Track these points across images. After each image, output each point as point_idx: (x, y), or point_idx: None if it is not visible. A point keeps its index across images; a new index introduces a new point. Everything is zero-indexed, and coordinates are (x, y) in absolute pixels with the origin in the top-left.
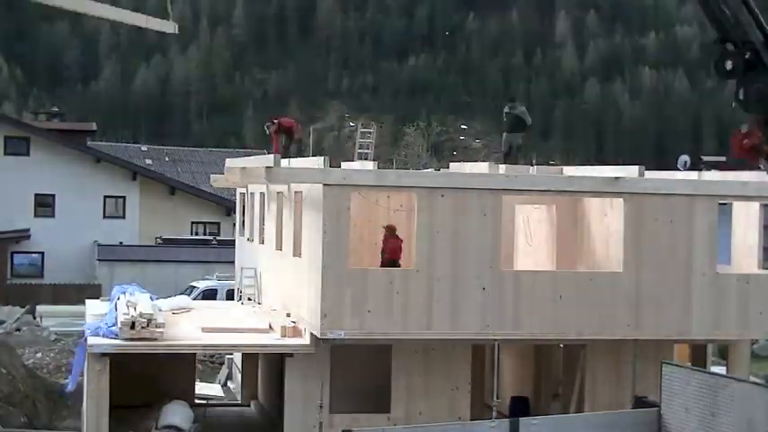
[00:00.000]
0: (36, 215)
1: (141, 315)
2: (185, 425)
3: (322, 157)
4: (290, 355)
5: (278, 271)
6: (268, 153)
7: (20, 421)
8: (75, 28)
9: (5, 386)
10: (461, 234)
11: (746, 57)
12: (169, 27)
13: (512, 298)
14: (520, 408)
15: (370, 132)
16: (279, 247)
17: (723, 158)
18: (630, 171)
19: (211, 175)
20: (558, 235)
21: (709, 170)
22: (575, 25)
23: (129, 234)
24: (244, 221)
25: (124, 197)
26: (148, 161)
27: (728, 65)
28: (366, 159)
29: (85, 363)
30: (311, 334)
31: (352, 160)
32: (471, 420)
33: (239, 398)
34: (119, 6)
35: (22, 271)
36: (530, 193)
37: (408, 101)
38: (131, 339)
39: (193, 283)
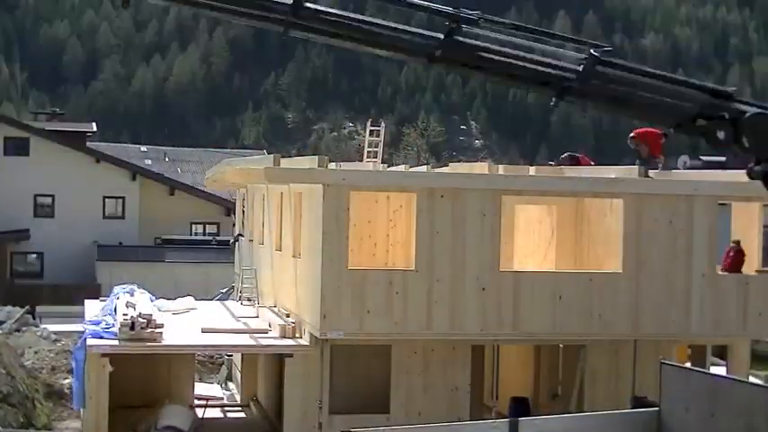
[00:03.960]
0: (36, 215)
1: (141, 316)
2: (184, 426)
3: (321, 157)
4: (290, 355)
5: (278, 271)
6: (267, 153)
7: (19, 421)
8: (75, 28)
9: (5, 386)
10: (461, 234)
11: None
12: None
13: (512, 298)
14: (520, 408)
15: (378, 130)
16: (278, 247)
17: (723, 158)
18: (630, 171)
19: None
20: (558, 235)
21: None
22: (575, 25)
23: (129, 234)
24: (243, 222)
25: (124, 197)
26: (148, 161)
27: (720, 134)
28: (375, 158)
29: (85, 366)
30: (311, 334)
31: (353, 160)
32: (471, 420)
33: (239, 398)
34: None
35: (22, 271)
36: (530, 193)
37: (408, 101)
38: (131, 340)
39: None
